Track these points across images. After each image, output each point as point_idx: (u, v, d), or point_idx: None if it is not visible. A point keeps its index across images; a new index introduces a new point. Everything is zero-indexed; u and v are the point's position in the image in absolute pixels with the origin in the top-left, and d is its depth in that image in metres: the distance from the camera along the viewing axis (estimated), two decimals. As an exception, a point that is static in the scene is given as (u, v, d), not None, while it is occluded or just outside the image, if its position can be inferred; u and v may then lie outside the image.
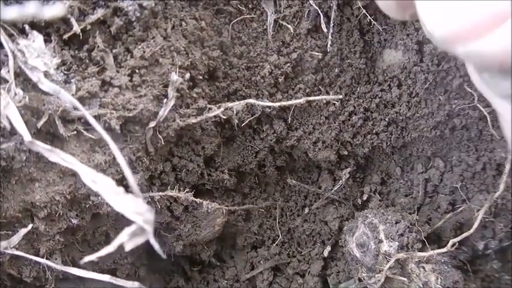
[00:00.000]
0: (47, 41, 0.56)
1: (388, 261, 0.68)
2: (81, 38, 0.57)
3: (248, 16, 0.68)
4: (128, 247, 0.40)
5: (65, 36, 0.56)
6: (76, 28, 0.56)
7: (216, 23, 0.68)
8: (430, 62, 0.71)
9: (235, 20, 0.68)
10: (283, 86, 0.72)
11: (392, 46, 0.74)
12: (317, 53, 0.70)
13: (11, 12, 0.51)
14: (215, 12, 0.68)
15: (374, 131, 0.76)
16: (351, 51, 0.73)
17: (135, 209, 0.41)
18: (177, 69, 0.62)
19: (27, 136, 0.50)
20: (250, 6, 0.68)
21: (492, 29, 0.24)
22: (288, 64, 0.70)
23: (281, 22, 0.69)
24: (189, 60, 0.64)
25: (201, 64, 0.66)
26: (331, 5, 0.68)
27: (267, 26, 0.69)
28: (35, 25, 0.55)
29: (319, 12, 0.67)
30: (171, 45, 0.62)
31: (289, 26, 0.68)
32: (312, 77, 0.72)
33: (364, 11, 0.69)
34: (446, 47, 0.26)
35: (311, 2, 0.67)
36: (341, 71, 0.74)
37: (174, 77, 0.61)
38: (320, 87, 0.73)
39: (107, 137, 0.46)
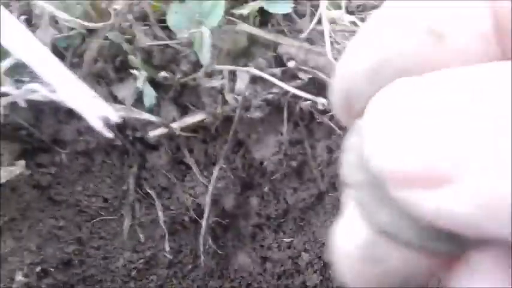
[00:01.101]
0: None
1: None
2: None
3: (108, 217, 0.76)
4: None
5: None
6: None
7: (77, 220, 0.76)
8: (270, 276, 0.78)
9: (96, 220, 0.76)
10: (138, 276, 0.79)
11: (243, 252, 0.81)
12: (169, 255, 0.78)
13: None
14: (77, 211, 0.76)
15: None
16: (205, 252, 0.81)
17: None
18: (26, 267, 0.70)
19: None
20: (111, 209, 0.77)
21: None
22: (142, 260, 0.78)
23: (136, 227, 0.77)
24: (40, 257, 0.72)
25: (54, 258, 0.74)
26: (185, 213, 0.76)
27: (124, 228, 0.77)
28: None
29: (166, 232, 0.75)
30: (22, 246, 0.70)
31: (140, 235, 0.76)
32: (164, 271, 0.80)
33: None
34: (382, 180, 0.18)
35: (164, 219, 0.75)
36: (194, 267, 0.81)
37: (18, 277, 0.69)
38: (173, 279, 0.81)
39: None
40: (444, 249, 0.19)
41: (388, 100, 0.18)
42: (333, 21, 0.61)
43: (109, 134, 0.48)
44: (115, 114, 0.48)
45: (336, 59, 0.59)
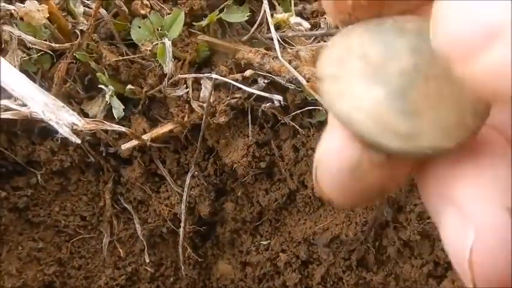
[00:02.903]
0: None
1: None
2: None
3: (87, 235, 0.78)
4: None
5: None
6: None
7: (57, 241, 0.77)
8: (251, 280, 0.80)
9: (75, 239, 0.77)
10: (121, 293, 0.80)
11: (223, 259, 0.83)
12: (150, 269, 0.79)
13: None
14: (56, 231, 0.77)
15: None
16: (186, 263, 0.82)
17: None
18: (6, 290, 0.70)
19: None
20: (89, 227, 0.78)
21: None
22: (123, 276, 0.79)
23: (116, 243, 0.78)
24: (21, 280, 0.72)
25: (35, 281, 0.74)
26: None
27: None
28: None
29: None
30: (2, 270, 0.71)
31: (120, 250, 0.77)
32: (147, 285, 0.81)
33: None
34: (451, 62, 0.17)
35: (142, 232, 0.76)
36: (176, 279, 0.82)
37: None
38: (156, 293, 0.82)
39: None
40: (397, 148, 0.20)
41: None
42: (279, 26, 0.65)
43: (77, 140, 0.50)
44: (82, 120, 0.51)
45: (289, 61, 0.63)
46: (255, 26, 0.65)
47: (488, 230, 0.19)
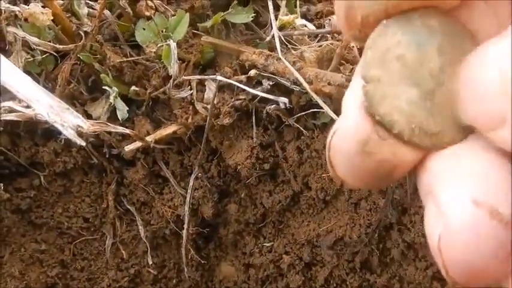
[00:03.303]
0: None
1: None
2: None
3: (90, 237, 0.77)
4: None
5: None
6: None
7: (59, 242, 0.77)
8: (254, 283, 0.80)
9: (78, 241, 0.77)
10: (124, 295, 0.80)
11: (226, 261, 0.82)
12: (153, 271, 0.79)
13: None
14: (59, 233, 0.77)
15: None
16: (189, 265, 0.82)
17: None
18: (9, 292, 0.70)
19: None
20: (92, 229, 0.78)
21: None
22: (126, 278, 0.78)
23: (119, 245, 0.78)
24: (24, 282, 0.72)
25: (38, 283, 0.74)
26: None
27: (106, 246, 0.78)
28: None
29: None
30: (5, 272, 0.71)
31: (123, 252, 0.77)
32: (150, 287, 0.80)
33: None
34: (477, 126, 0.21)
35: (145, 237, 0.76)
36: (179, 281, 0.82)
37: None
38: (159, 295, 0.81)
39: None
40: (425, 145, 0.22)
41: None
42: (283, 27, 0.65)
43: (82, 143, 0.50)
44: (87, 122, 0.51)
45: (293, 62, 0.63)
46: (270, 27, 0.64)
47: (456, 221, 0.20)
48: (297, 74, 0.63)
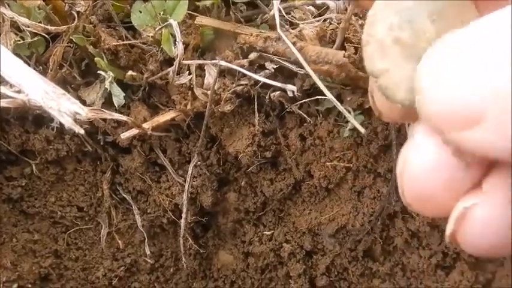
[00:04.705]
0: None
1: None
2: None
3: (84, 227, 0.75)
4: None
5: None
6: None
7: (53, 232, 0.74)
8: (254, 271, 0.78)
9: (72, 230, 0.75)
10: (119, 284, 0.78)
11: (225, 249, 0.81)
12: (150, 260, 0.77)
13: None
14: (52, 223, 0.74)
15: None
16: (186, 253, 0.80)
17: None
18: (1, 284, 0.68)
19: None
20: (87, 218, 0.75)
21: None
22: (122, 267, 0.76)
23: (114, 234, 0.76)
24: (16, 273, 0.70)
25: (31, 274, 0.71)
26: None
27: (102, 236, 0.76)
28: None
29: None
30: (-4, 263, 0.68)
31: (119, 241, 0.75)
32: (146, 276, 0.78)
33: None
34: (438, 126, 0.22)
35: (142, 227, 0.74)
36: (176, 270, 0.80)
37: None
38: (156, 284, 0.79)
39: None
40: None
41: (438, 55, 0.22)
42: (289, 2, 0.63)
43: (80, 131, 0.47)
44: (84, 109, 0.48)
45: (293, 43, 0.60)
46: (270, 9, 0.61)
47: (421, 151, 0.24)
48: (299, 56, 0.60)
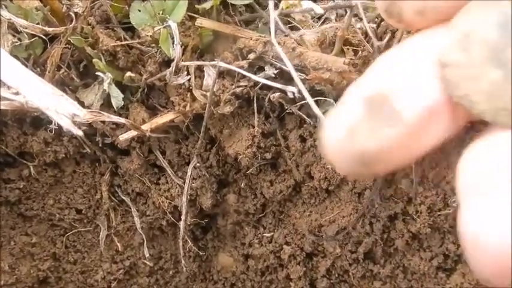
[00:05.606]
0: None
1: None
2: None
3: (83, 229, 0.74)
4: None
5: None
6: None
7: (51, 235, 0.74)
8: (254, 273, 0.78)
9: (71, 233, 0.74)
10: (118, 287, 0.77)
11: (224, 252, 0.80)
12: (149, 262, 0.77)
13: None
14: (50, 225, 0.74)
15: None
16: (186, 256, 0.79)
17: None
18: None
19: None
20: (85, 221, 0.75)
21: None
22: (121, 270, 0.76)
23: (113, 237, 0.75)
24: (15, 277, 0.69)
25: (29, 277, 0.71)
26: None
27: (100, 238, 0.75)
28: None
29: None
30: (-6, 266, 0.67)
31: (118, 244, 0.74)
32: (145, 279, 0.78)
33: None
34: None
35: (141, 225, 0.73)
36: (176, 273, 0.80)
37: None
38: (155, 286, 0.79)
39: None
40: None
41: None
42: (287, 9, 0.62)
43: (79, 132, 0.46)
44: (83, 111, 0.47)
45: (292, 48, 0.60)
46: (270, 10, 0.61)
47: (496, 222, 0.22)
48: (290, 66, 0.58)
